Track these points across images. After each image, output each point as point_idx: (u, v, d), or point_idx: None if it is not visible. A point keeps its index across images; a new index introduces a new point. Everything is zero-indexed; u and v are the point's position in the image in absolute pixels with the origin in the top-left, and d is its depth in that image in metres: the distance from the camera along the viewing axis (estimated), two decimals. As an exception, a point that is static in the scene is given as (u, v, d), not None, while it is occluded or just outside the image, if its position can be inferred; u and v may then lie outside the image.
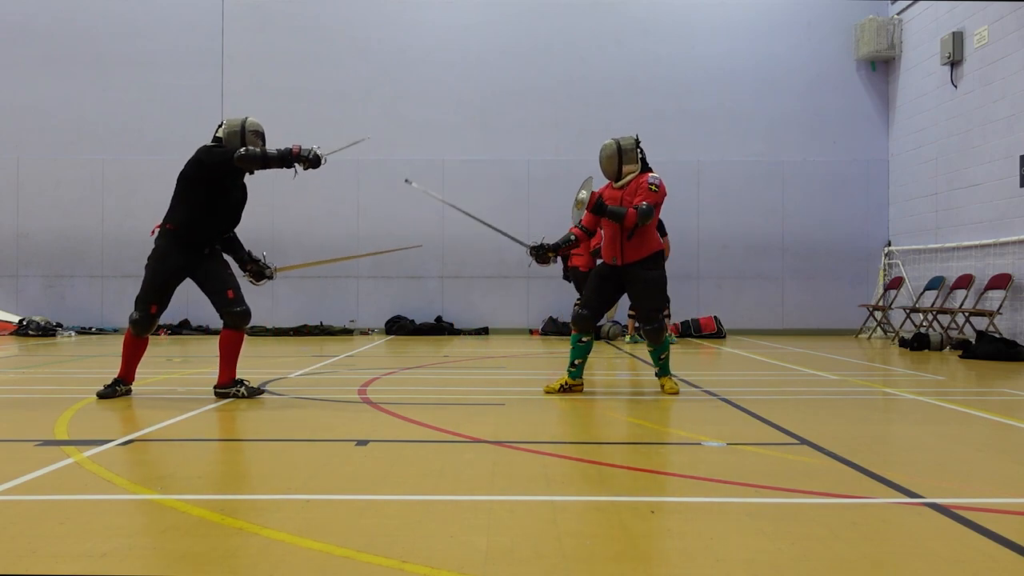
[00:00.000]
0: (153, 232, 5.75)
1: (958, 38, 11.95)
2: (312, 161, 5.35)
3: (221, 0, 14.18)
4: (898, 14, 13.82)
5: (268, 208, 13.51)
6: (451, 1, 14.32)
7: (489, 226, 6.86)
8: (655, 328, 5.97)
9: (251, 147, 5.51)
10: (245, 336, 5.86)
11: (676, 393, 5.99)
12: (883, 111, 14.27)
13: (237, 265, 6.03)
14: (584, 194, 5.97)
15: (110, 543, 2.53)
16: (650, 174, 5.96)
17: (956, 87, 12.11)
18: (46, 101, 14.10)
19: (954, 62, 12.03)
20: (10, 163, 14.11)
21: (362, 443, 4.12)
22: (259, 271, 6.03)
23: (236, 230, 6.01)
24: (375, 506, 2.98)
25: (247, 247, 6.08)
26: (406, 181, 7.73)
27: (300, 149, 5.38)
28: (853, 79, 14.27)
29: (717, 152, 14.24)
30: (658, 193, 5.88)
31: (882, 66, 14.21)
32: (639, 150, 6.02)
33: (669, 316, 12.19)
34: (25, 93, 14.11)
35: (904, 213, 13.72)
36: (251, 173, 5.69)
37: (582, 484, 3.44)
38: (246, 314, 5.73)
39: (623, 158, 5.99)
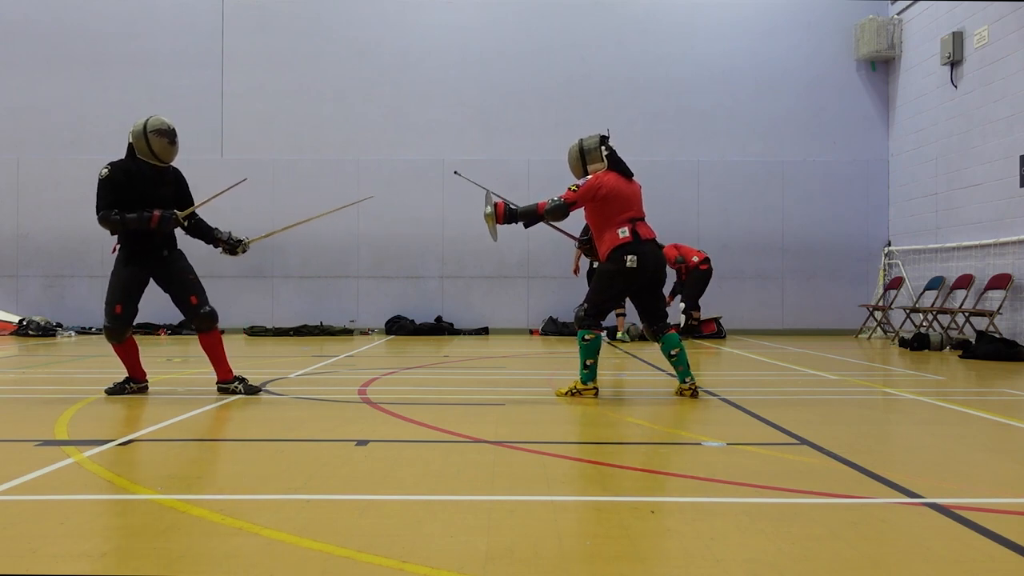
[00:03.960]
0: (114, 249, 5.86)
1: (958, 38, 11.95)
2: (166, 228, 5.65)
3: (221, 0, 14.19)
4: (898, 14, 13.82)
5: (268, 208, 13.51)
6: (451, 2, 14.32)
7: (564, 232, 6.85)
8: (575, 315, 5.89)
9: (111, 215, 5.59)
10: (220, 334, 5.91)
11: (561, 395, 5.88)
12: (883, 111, 14.27)
13: (212, 247, 6.11)
14: (489, 208, 5.88)
15: (110, 543, 2.53)
16: (596, 174, 5.83)
17: (956, 87, 12.11)
18: (46, 101, 14.11)
19: (954, 62, 12.03)
20: (10, 163, 14.12)
21: (362, 443, 4.12)
22: (231, 246, 6.10)
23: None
24: (375, 506, 2.97)
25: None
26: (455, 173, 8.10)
27: (160, 219, 5.61)
28: (853, 79, 14.27)
29: (717, 152, 14.24)
30: (576, 193, 5.76)
31: (882, 66, 14.21)
32: (603, 148, 5.88)
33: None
34: (25, 93, 14.12)
35: (904, 213, 13.72)
36: (113, 233, 5.73)
37: (582, 484, 3.43)
38: (212, 315, 5.86)
39: (586, 158, 5.91)
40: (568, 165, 6.03)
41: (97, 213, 5.63)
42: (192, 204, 5.98)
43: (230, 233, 6.15)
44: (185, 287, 5.81)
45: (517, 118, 14.22)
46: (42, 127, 14.13)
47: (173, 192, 5.89)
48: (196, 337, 6.03)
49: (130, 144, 5.79)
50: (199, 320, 5.80)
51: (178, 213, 5.75)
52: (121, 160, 5.78)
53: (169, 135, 5.82)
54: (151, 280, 5.87)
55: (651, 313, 5.88)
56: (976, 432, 4.70)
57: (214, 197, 6.14)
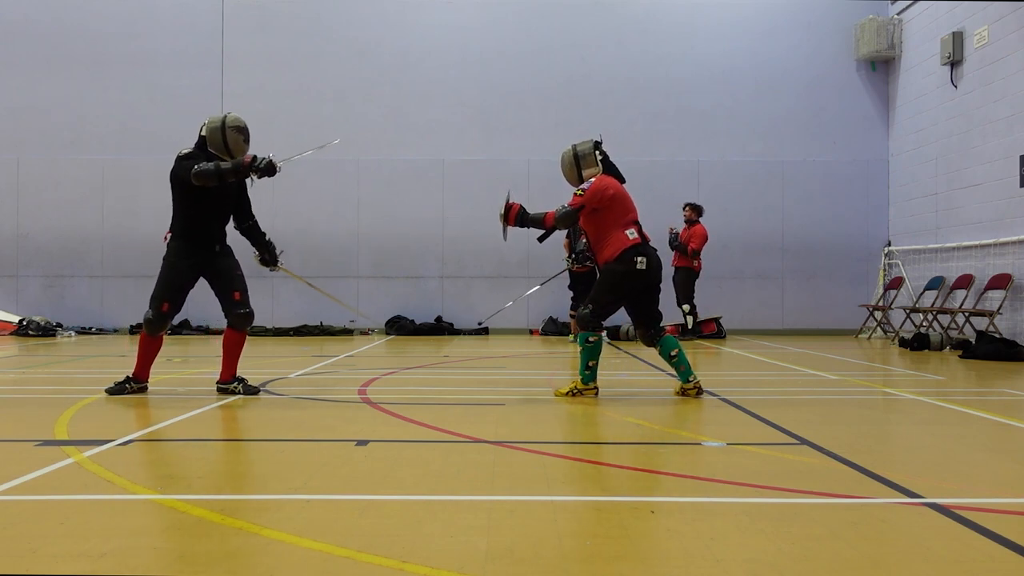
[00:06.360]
0: (165, 237, 5.89)
1: (958, 38, 11.95)
2: (266, 170, 5.51)
3: (221, 0, 14.19)
4: (898, 14, 13.82)
5: (268, 207, 13.48)
6: (451, 2, 14.33)
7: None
8: (579, 316, 5.84)
9: (203, 164, 5.55)
10: (247, 336, 6.01)
11: (561, 395, 5.86)
12: (883, 111, 14.26)
13: (256, 251, 6.15)
14: (503, 208, 5.89)
15: (110, 543, 2.53)
16: (598, 177, 5.83)
17: (956, 87, 12.11)
18: (46, 101, 14.10)
19: (954, 62, 12.03)
20: (10, 163, 14.11)
21: (362, 443, 4.12)
22: (272, 259, 6.13)
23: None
24: (375, 506, 2.97)
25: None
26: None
27: (254, 159, 5.52)
28: (853, 79, 14.27)
29: (717, 152, 14.24)
30: (583, 196, 5.73)
31: (882, 66, 14.21)
32: (597, 152, 5.90)
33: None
34: (25, 93, 14.11)
35: (904, 213, 13.72)
36: (213, 185, 5.64)
37: (582, 484, 3.44)
38: (249, 316, 5.89)
39: (581, 163, 5.89)
40: (561, 171, 6.02)
41: (189, 174, 5.53)
42: (249, 204, 6.08)
43: (281, 252, 6.21)
44: (232, 281, 5.84)
45: (517, 118, 14.22)
46: (42, 127, 14.13)
47: (235, 189, 5.93)
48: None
49: (201, 136, 5.82)
50: (237, 318, 5.83)
51: (272, 158, 5.58)
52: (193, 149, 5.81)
53: (245, 133, 5.87)
54: (200, 276, 5.89)
55: (648, 317, 5.88)
56: (976, 432, 4.71)
57: (308, 152, 6.48)
